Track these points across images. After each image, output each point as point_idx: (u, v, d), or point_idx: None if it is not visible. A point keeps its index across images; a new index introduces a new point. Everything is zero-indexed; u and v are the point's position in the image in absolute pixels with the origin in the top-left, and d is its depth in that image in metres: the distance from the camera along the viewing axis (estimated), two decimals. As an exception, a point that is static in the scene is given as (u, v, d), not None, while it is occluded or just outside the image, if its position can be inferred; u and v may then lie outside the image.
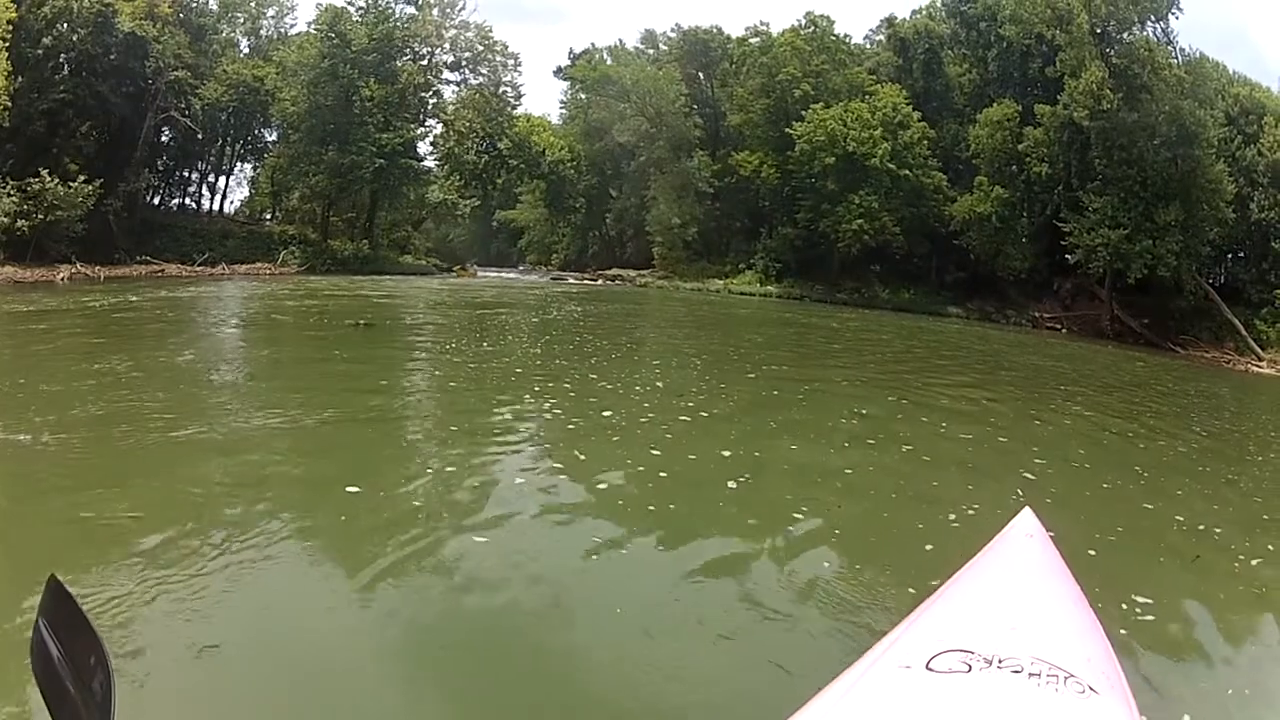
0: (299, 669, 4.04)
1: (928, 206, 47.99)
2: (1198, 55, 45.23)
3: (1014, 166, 46.70)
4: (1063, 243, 42.97)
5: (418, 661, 4.17)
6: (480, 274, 57.00)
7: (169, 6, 43.32)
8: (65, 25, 38.89)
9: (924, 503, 7.39)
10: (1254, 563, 6.74)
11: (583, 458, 8.08)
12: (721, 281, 50.16)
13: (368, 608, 4.58)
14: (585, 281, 52.75)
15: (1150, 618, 5.28)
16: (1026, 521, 3.14)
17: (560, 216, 65.91)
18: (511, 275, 59.28)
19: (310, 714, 3.73)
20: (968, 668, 1.93)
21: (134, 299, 23.42)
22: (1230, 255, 46.66)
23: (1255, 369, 36.68)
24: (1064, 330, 43.96)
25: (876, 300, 46.63)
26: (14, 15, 33.35)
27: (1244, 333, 39.86)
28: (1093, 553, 6.23)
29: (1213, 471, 10.96)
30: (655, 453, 8.16)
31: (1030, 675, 1.89)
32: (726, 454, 8.41)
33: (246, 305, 24.84)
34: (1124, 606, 5.29)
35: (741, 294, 47.63)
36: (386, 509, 6.13)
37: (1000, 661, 1.94)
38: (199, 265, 41.57)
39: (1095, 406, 15.73)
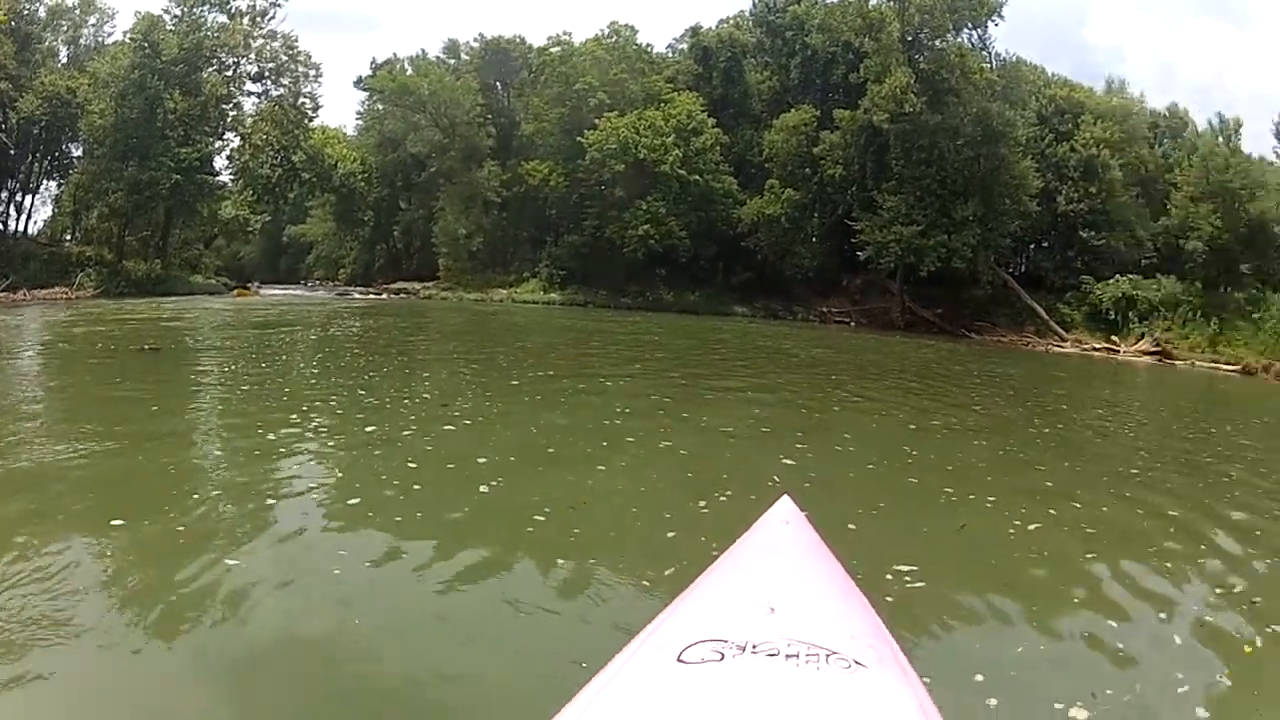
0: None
1: (717, 210, 48.09)
2: (1014, 59, 47.94)
3: (807, 169, 47.06)
4: (852, 240, 43.78)
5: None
6: (266, 291, 55.16)
7: (4, 14, 41.66)
8: None
9: (681, 494, 7.36)
10: (1031, 527, 6.85)
11: (340, 474, 8.05)
12: (505, 291, 49.61)
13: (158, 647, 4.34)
14: (370, 296, 51.69)
15: (920, 584, 5.34)
16: (784, 508, 2.98)
17: (349, 230, 65.00)
18: (298, 292, 57.79)
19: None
20: (720, 656, 1.85)
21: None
22: (1034, 245, 49.20)
23: (1056, 348, 38.81)
24: (853, 324, 44.50)
25: (661, 303, 46.26)
26: None
27: (1044, 316, 41.87)
28: (853, 527, 6.32)
29: (990, 445, 11.13)
30: (411, 465, 8.13)
31: (788, 657, 1.84)
32: (482, 460, 8.30)
33: (39, 334, 23.70)
34: (889, 578, 5.31)
35: (525, 302, 47.17)
36: (152, 541, 5.84)
37: (754, 647, 1.87)
38: (2, 291, 39.06)
39: (868, 393, 16.17)
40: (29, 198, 53.60)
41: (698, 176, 47.40)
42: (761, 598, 2.21)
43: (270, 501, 6.88)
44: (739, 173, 49.22)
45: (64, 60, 52.40)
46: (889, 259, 42.75)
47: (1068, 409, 16.96)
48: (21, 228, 52.90)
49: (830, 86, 49.63)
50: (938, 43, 44.64)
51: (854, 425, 11.83)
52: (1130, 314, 39.97)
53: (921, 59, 43.93)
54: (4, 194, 51.97)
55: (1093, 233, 43.89)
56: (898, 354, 27.58)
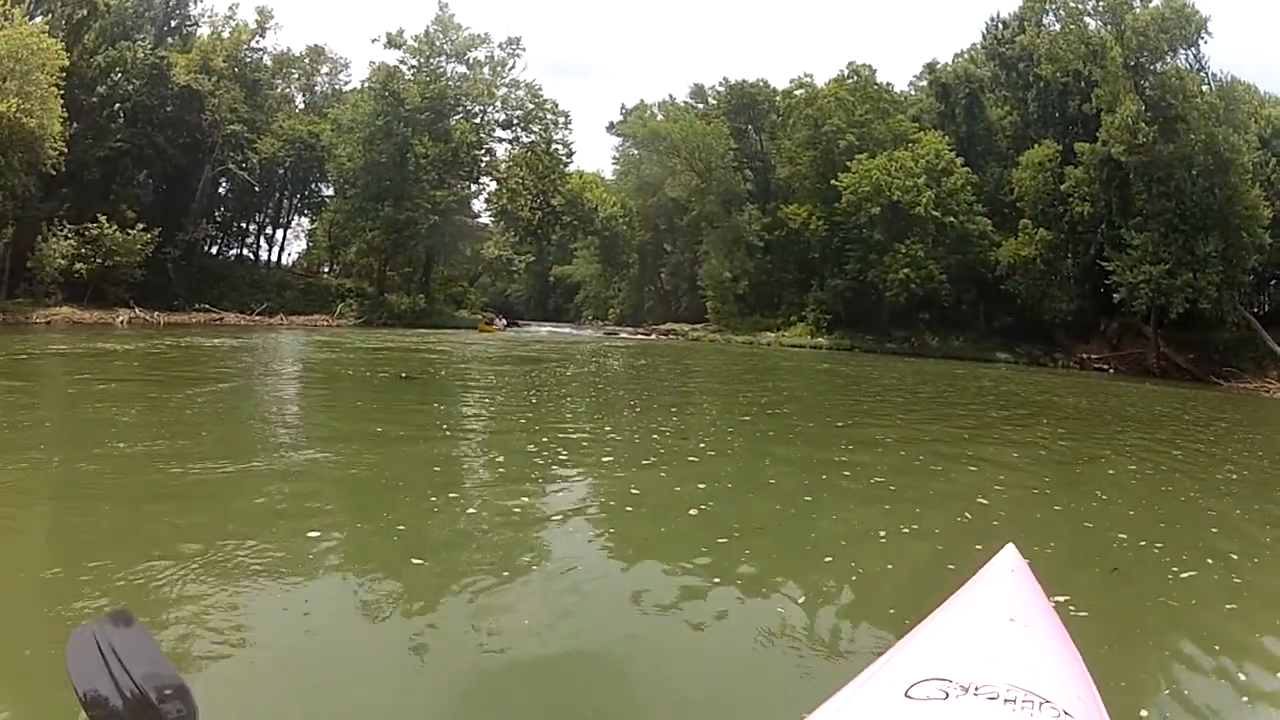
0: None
1: (973, 252, 48.50)
2: (1229, 79, 45.32)
3: (1057, 207, 47.01)
4: (1107, 282, 43.07)
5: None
6: (534, 328, 57.49)
7: (223, 61, 45.31)
8: (120, 74, 41.17)
9: (916, 540, 7.18)
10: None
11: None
12: (773, 334, 50.76)
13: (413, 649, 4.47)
14: (638, 336, 53.34)
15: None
16: (1008, 556, 3.11)
17: (615, 271, 66.87)
18: (566, 330, 59.83)
19: None
20: (945, 695, 1.96)
21: (206, 343, 25.13)
22: (1274, 281, 47.28)
23: None
24: (1111, 370, 43.95)
25: (926, 348, 47.39)
26: (66, 62, 34.83)
27: None
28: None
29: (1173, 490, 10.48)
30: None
31: (1006, 701, 1.92)
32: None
33: (305, 353, 26.30)
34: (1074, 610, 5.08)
35: (793, 346, 48.00)
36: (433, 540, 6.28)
37: (977, 689, 1.97)
38: (257, 315, 43.26)
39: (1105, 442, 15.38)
40: (280, 231, 58.98)
41: (952, 218, 47.87)
42: (985, 642, 2.35)
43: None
44: (991, 213, 49.31)
45: (301, 106, 56.84)
46: (1141, 301, 41.72)
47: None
48: (275, 259, 58.22)
49: (1068, 119, 49.64)
50: (1158, 66, 43.65)
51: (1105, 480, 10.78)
52: None
53: (1146, 85, 43.17)
54: (253, 227, 57.17)
55: None
56: (1142, 403, 26.11)
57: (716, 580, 5.73)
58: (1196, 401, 28.88)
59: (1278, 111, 47.00)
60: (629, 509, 7.60)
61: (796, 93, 56.31)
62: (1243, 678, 4.54)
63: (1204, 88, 43.37)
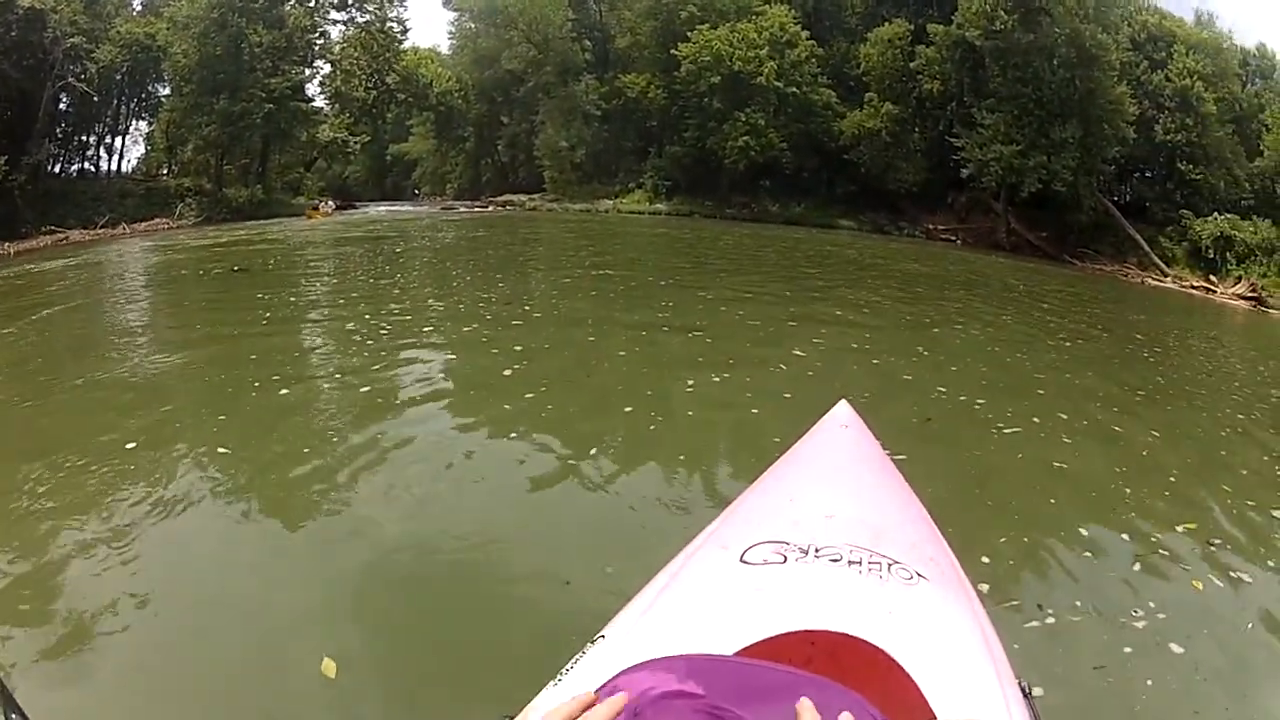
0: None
1: (817, 123, 48.07)
2: None
3: (906, 83, 46.82)
4: (954, 158, 43.37)
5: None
6: (366, 209, 56.00)
7: None
8: None
9: (750, 396, 7.52)
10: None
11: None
12: (611, 202, 49.98)
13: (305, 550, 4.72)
14: (476, 209, 52.03)
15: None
16: (842, 411, 2.92)
17: (451, 146, 65.84)
18: (405, 207, 58.70)
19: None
20: (783, 558, 1.85)
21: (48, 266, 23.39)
22: (1136, 174, 47.87)
23: (1154, 282, 37.43)
24: (959, 242, 44.23)
25: (767, 215, 46.34)
26: None
27: (1147, 248, 40.94)
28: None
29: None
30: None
31: (850, 563, 1.82)
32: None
33: (144, 263, 24.96)
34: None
35: (631, 213, 47.39)
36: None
37: (817, 551, 1.87)
38: (100, 228, 40.79)
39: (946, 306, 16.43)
40: (119, 139, 55.98)
41: (794, 89, 47.31)
42: (822, 502, 2.25)
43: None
44: (837, 86, 48.99)
45: (138, 8, 53.57)
46: (990, 178, 42.44)
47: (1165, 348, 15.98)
48: (115, 168, 55.22)
49: (923, 1, 49.00)
50: None
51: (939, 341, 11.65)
52: (1228, 255, 39.25)
53: None
54: (93, 139, 53.83)
55: (1191, 166, 43.31)
56: (997, 276, 27.34)
57: (539, 444, 6.14)
58: (1044, 276, 29.77)
59: (1155, 19, 48.30)
60: (454, 380, 8.18)
61: (643, -38, 54.99)
62: (1072, 532, 4.99)
63: None
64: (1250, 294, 35.23)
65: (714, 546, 2.04)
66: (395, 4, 54.96)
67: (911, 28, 47.28)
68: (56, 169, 48.82)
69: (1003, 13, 41.66)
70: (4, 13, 38.88)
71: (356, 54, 54.18)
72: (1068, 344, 12.84)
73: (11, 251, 33.74)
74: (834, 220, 46.06)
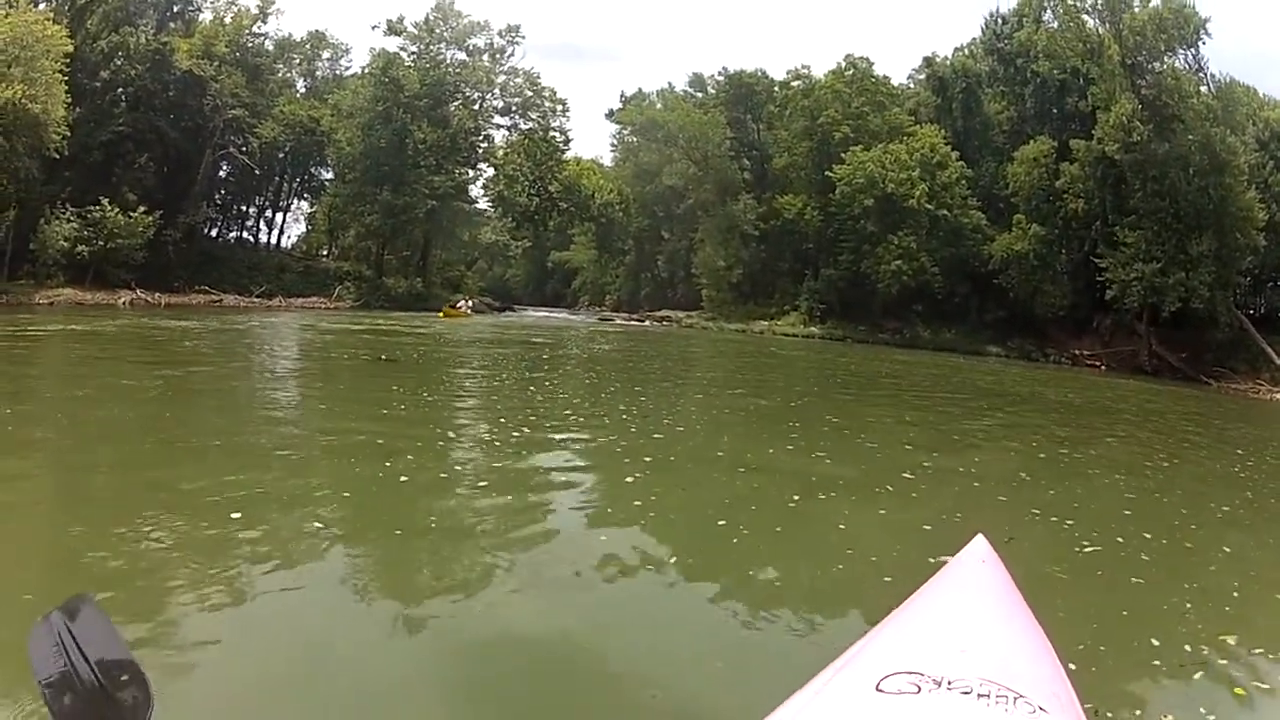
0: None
1: (966, 246, 48.76)
2: (1228, 80, 45.61)
3: (1052, 203, 47.27)
4: (1099, 279, 43.49)
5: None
6: (525, 313, 58.15)
7: (225, 46, 45.92)
8: (122, 59, 41.59)
9: (885, 531, 7.41)
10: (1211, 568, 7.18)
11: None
12: (766, 323, 51.09)
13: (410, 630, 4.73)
14: (632, 322, 53.94)
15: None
16: (979, 547, 3.06)
17: (611, 258, 67.75)
18: (560, 314, 60.74)
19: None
20: (917, 689, 1.92)
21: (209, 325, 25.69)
22: (1270, 284, 47.10)
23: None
24: (1103, 367, 44.32)
25: (918, 340, 47.74)
26: (70, 47, 35.05)
27: (1278, 361, 40.08)
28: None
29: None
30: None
31: (979, 696, 1.89)
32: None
33: (300, 335, 27.00)
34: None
35: (785, 335, 48.40)
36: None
37: (950, 683, 1.93)
38: (256, 297, 43.83)
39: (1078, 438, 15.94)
40: (280, 215, 59.85)
41: (945, 211, 48.18)
42: (957, 635, 2.32)
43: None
44: (985, 207, 49.64)
45: (302, 91, 57.37)
46: (1133, 298, 42.20)
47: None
48: (274, 241, 59.05)
49: (1065, 115, 49.89)
50: (1155, 65, 43.98)
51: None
52: None
53: (1143, 83, 43.51)
54: (253, 210, 57.90)
55: None
56: (1134, 399, 27.01)
57: (690, 561, 6.13)
58: (1184, 400, 29.36)
59: (1276, 114, 47.13)
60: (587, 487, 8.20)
61: (794, 84, 56.65)
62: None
63: (1202, 88, 43.58)
64: None
65: (850, 675, 2.11)
66: (558, 114, 57.56)
67: (1055, 144, 47.65)
68: (214, 234, 52.54)
69: (1139, 123, 41.80)
70: (160, 72, 42.30)
71: (519, 159, 56.74)
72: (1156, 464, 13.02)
73: (162, 302, 37.39)
74: (982, 346, 46.65)
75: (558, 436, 10.86)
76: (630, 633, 4.96)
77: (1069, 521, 7.92)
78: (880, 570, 6.06)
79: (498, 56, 56.97)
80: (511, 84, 57.13)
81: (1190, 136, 41.31)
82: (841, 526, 7.24)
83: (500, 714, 4.05)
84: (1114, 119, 42.51)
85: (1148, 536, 7.69)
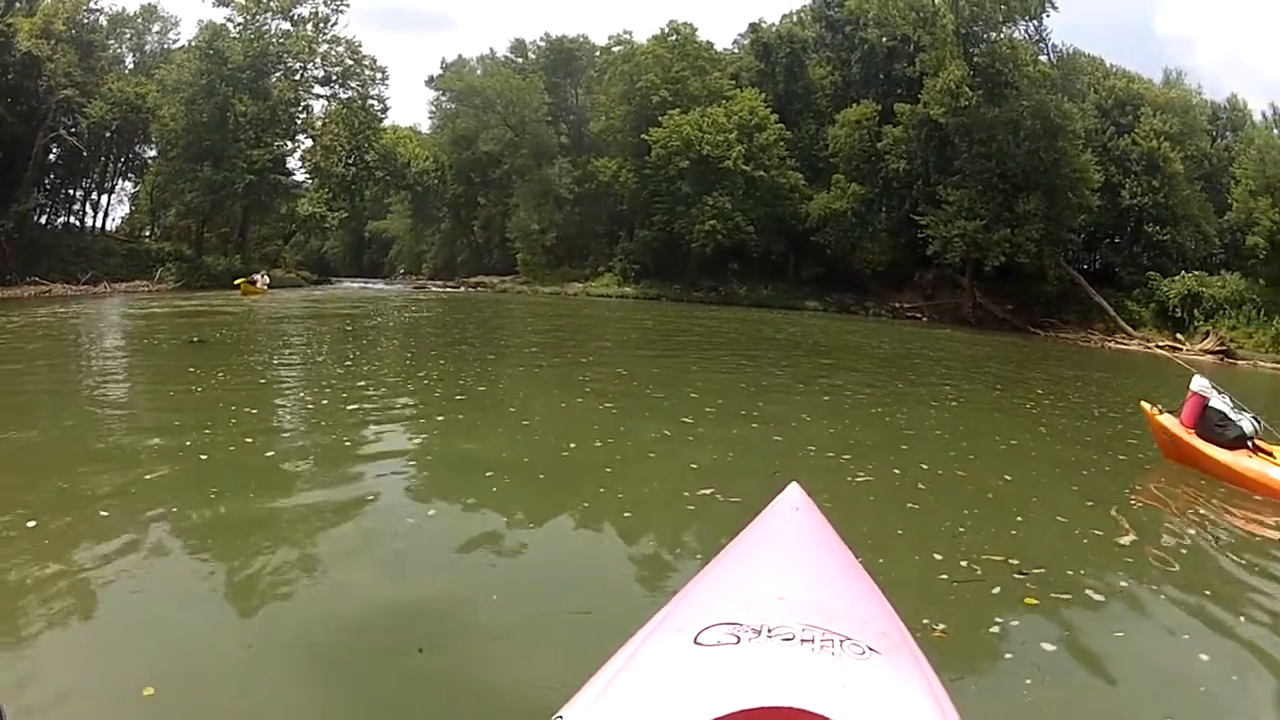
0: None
1: (784, 205, 48.68)
2: (1070, 51, 48.14)
3: (873, 163, 47.57)
4: (920, 235, 43.87)
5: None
6: (348, 284, 56.91)
7: (63, 24, 43.09)
8: None
9: (693, 479, 7.20)
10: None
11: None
12: (580, 285, 50.54)
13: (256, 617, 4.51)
14: (448, 289, 52.80)
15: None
16: (794, 494, 3.05)
17: (428, 226, 66.84)
18: (379, 285, 59.27)
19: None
20: (736, 639, 1.89)
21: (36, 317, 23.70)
22: (1106, 241, 48.77)
23: (1115, 346, 38.07)
24: (924, 319, 44.83)
25: (734, 297, 46.97)
26: None
27: (1112, 313, 41.66)
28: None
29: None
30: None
31: (803, 641, 1.86)
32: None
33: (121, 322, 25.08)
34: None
35: (600, 296, 47.92)
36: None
37: (770, 631, 1.90)
38: (83, 284, 41.03)
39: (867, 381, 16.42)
40: (105, 197, 56.30)
41: (762, 172, 48.00)
42: (774, 583, 2.32)
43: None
44: (806, 168, 49.57)
45: (130, 67, 54.48)
46: (954, 254, 43.01)
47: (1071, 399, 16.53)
48: (99, 225, 55.51)
49: (891, 81, 49.93)
50: (992, 35, 44.66)
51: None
52: (1196, 312, 39.69)
53: (976, 52, 44.15)
54: (79, 193, 54.21)
55: (1158, 227, 43.97)
56: (946, 348, 27.75)
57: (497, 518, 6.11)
58: (997, 348, 30.50)
59: (1123, 84, 49.24)
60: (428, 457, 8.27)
61: (615, 49, 55.92)
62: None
63: (1041, 58, 45.34)
64: (1218, 348, 35.94)
65: (668, 629, 2.10)
66: (377, 83, 55.76)
67: (879, 108, 47.96)
68: (43, 220, 49.20)
69: (968, 89, 42.46)
70: (2, 55, 39.71)
71: (338, 129, 54.86)
72: (947, 404, 13.56)
73: (-4, 298, 34.31)
74: (801, 302, 46.76)
75: (368, 408, 10.52)
76: (451, 602, 4.81)
77: (845, 456, 8.26)
78: (629, 506, 6.35)
79: (321, 26, 54.67)
80: (333, 53, 54.89)
81: (1024, 102, 42.35)
82: (608, 470, 7.37)
83: (344, 689, 3.84)
84: (941, 84, 43.16)
85: (925, 468, 7.97)
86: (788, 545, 2.70)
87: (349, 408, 10.33)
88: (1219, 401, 8.30)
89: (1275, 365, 34.07)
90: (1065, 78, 45.56)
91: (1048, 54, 46.48)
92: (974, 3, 43.58)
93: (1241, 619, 4.75)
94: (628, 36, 56.22)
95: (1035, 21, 45.76)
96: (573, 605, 4.63)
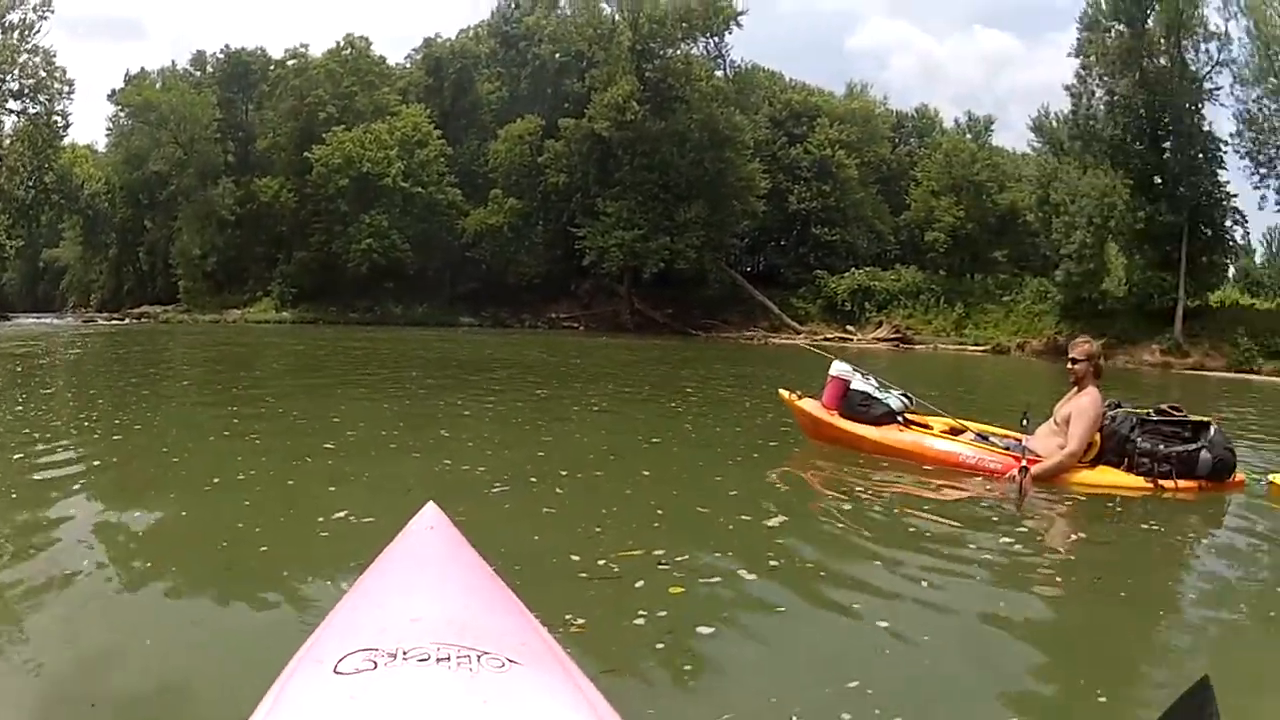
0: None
1: (441, 222, 49.51)
2: (749, 66, 51.05)
3: (533, 178, 49.03)
4: (578, 247, 45.80)
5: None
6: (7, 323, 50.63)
7: None
8: None
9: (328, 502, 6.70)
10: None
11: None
12: (239, 311, 49.75)
13: None
14: (114, 322, 50.07)
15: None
16: (428, 514, 2.97)
17: (96, 253, 63.21)
18: (48, 320, 54.87)
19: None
20: (373, 665, 1.86)
21: None
22: (770, 244, 52.34)
23: (778, 341, 40.15)
24: (581, 328, 46.35)
25: (390, 317, 47.06)
26: None
27: (776, 310, 44.93)
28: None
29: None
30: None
31: (438, 660, 1.85)
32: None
33: None
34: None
35: (258, 322, 47.10)
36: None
37: (405, 654, 1.88)
38: None
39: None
40: None
41: (420, 189, 48.58)
42: (408, 604, 2.28)
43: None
44: (465, 184, 50.42)
45: None
46: (612, 263, 44.88)
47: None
48: None
49: (561, 96, 51.20)
50: (668, 51, 46.90)
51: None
52: (867, 304, 43.77)
53: (649, 68, 46.15)
54: None
55: (826, 229, 47.85)
56: (599, 355, 28.47)
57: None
58: (663, 350, 31.91)
59: (800, 96, 53.06)
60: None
61: (290, 63, 55.37)
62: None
63: (717, 73, 48.20)
64: (894, 335, 40.26)
65: (310, 661, 2.04)
66: (63, 97, 51.99)
67: (544, 123, 49.38)
68: None
69: (635, 104, 44.42)
70: None
71: (21, 148, 51.20)
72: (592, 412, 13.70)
73: None
74: (455, 318, 47.39)
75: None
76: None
77: (481, 468, 8.06)
78: (265, 541, 5.69)
79: (26, 34, 50.37)
80: (30, 64, 50.76)
81: (694, 115, 44.57)
82: (247, 503, 6.64)
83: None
84: (609, 98, 44.80)
85: (563, 473, 7.94)
86: (422, 565, 2.67)
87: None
88: (861, 383, 8.61)
89: (957, 347, 39.03)
90: (740, 92, 48.38)
91: (724, 69, 49.21)
92: (654, 20, 45.60)
93: (904, 579, 4.96)
94: (303, 50, 55.65)
95: (716, 38, 48.49)
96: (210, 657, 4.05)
